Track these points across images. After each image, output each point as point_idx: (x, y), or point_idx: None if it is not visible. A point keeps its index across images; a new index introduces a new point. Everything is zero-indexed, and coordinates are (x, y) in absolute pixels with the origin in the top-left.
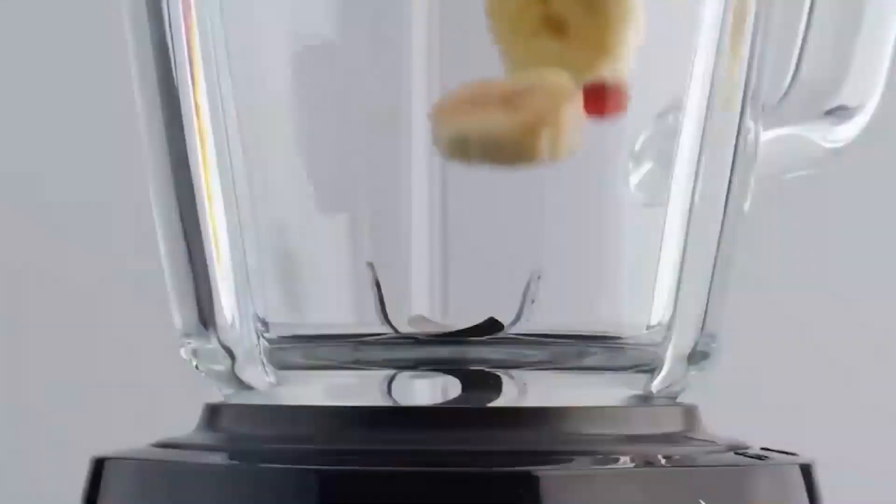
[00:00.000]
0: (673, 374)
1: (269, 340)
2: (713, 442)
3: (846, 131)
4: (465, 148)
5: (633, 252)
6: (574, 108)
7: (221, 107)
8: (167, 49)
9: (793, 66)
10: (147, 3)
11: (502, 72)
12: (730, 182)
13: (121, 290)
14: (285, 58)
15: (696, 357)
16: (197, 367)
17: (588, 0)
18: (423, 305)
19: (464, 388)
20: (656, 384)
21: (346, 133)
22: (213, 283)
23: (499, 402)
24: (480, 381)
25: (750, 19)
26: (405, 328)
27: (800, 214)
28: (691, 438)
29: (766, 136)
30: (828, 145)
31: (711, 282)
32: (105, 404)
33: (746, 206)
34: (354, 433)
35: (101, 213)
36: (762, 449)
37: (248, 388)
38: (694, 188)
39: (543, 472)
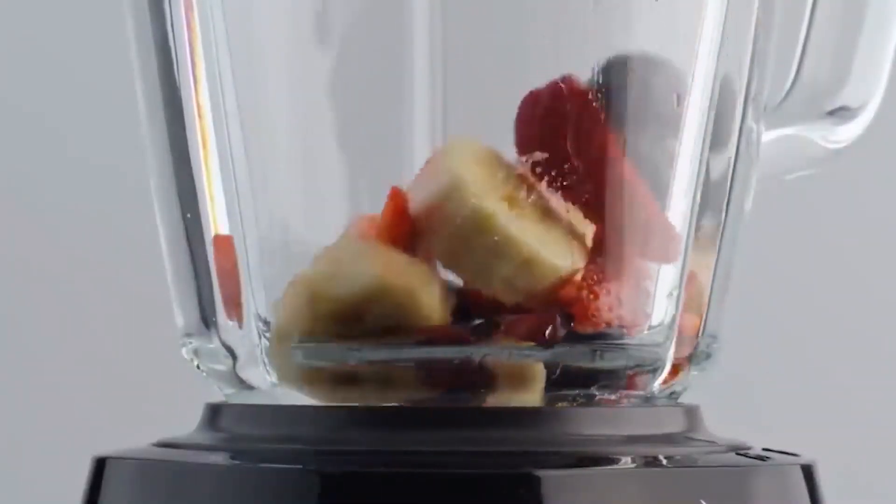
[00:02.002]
0: (674, 375)
1: (271, 340)
2: (714, 442)
3: (848, 132)
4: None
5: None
6: None
7: (223, 106)
8: (169, 49)
9: (794, 67)
10: (149, 2)
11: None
12: (731, 182)
13: (121, 290)
14: (287, 57)
15: (698, 357)
16: (198, 367)
17: None
18: None
19: (464, 389)
20: (658, 384)
21: (347, 132)
22: (214, 283)
23: (499, 403)
24: (481, 382)
25: (751, 20)
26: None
27: (800, 214)
28: (693, 439)
29: (768, 136)
30: (829, 146)
31: (713, 282)
32: (105, 404)
33: (748, 206)
34: (354, 433)
35: (102, 212)
36: (763, 449)
37: (249, 387)
38: (695, 188)
39: (544, 472)
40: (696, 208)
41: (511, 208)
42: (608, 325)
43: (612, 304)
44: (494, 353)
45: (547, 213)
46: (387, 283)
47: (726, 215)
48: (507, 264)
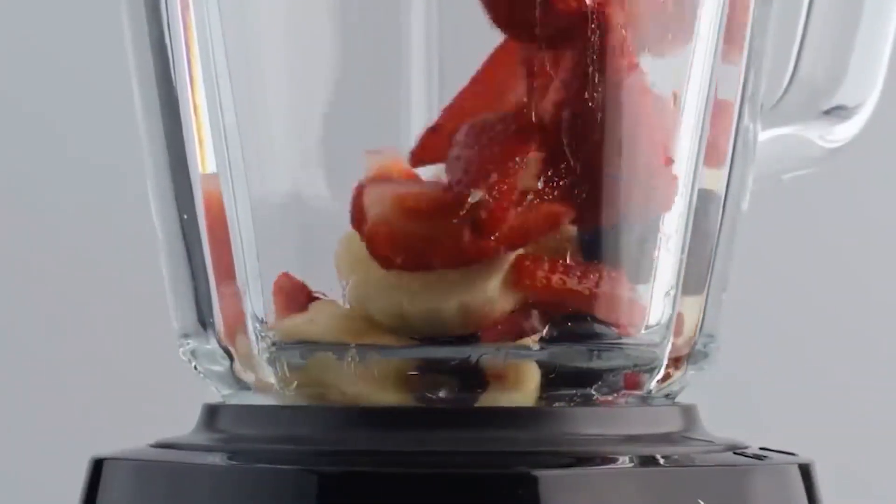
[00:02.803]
0: (671, 374)
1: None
2: (712, 442)
3: (845, 131)
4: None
5: (633, 253)
6: None
7: (220, 106)
8: (165, 48)
9: (791, 66)
10: (145, 1)
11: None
12: (728, 182)
13: (121, 290)
14: (283, 57)
15: (695, 357)
16: (195, 368)
17: None
18: None
19: (463, 389)
20: (655, 384)
21: (346, 131)
22: (211, 284)
23: (492, 403)
24: (480, 382)
25: (748, 19)
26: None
27: (797, 214)
28: (690, 438)
29: (765, 135)
30: (826, 145)
31: (710, 282)
32: (103, 405)
33: (744, 205)
34: (354, 434)
35: (100, 212)
36: (761, 448)
37: (247, 388)
38: (692, 188)
39: (542, 472)
40: (693, 208)
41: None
42: (561, 286)
43: (559, 268)
44: (492, 354)
45: None
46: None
47: (723, 215)
48: (448, 314)
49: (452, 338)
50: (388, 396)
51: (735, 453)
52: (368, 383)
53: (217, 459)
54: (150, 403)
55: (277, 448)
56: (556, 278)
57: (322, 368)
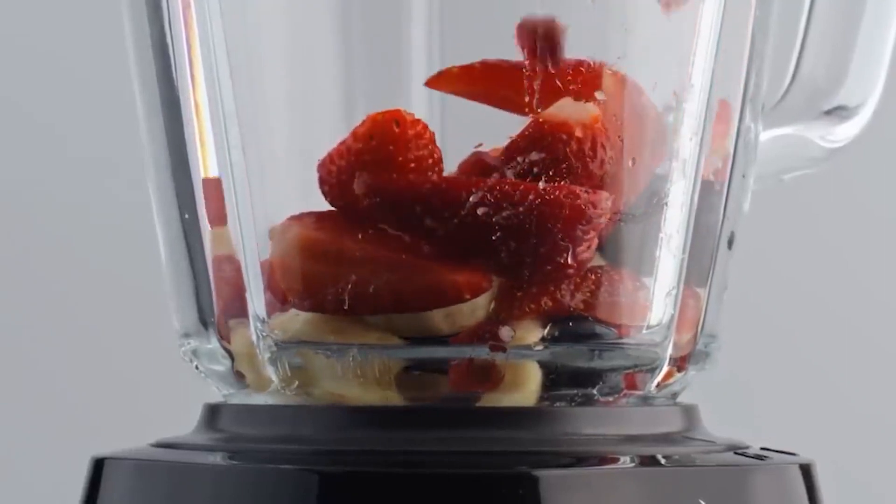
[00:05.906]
0: (672, 374)
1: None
2: (713, 442)
3: (846, 131)
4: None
5: (634, 253)
6: None
7: (221, 106)
8: (167, 48)
9: (792, 66)
10: (146, 2)
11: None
12: (729, 182)
13: (121, 290)
14: (284, 55)
15: (696, 357)
16: (196, 368)
17: None
18: None
19: (462, 389)
20: (656, 384)
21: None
22: (212, 283)
23: (493, 403)
24: (477, 382)
25: (749, 19)
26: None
27: (799, 213)
28: (691, 438)
29: (766, 135)
30: (827, 145)
31: (711, 282)
32: (104, 404)
33: (746, 205)
34: (354, 433)
35: (100, 212)
36: (762, 449)
37: (248, 387)
38: (693, 188)
39: (543, 472)
40: (695, 209)
41: None
42: (550, 307)
43: (546, 291)
44: (493, 355)
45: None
46: None
47: (724, 215)
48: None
49: (445, 337)
50: (376, 395)
51: (736, 453)
52: (356, 382)
53: (217, 459)
54: (150, 403)
55: (278, 448)
56: (544, 301)
57: (313, 366)
